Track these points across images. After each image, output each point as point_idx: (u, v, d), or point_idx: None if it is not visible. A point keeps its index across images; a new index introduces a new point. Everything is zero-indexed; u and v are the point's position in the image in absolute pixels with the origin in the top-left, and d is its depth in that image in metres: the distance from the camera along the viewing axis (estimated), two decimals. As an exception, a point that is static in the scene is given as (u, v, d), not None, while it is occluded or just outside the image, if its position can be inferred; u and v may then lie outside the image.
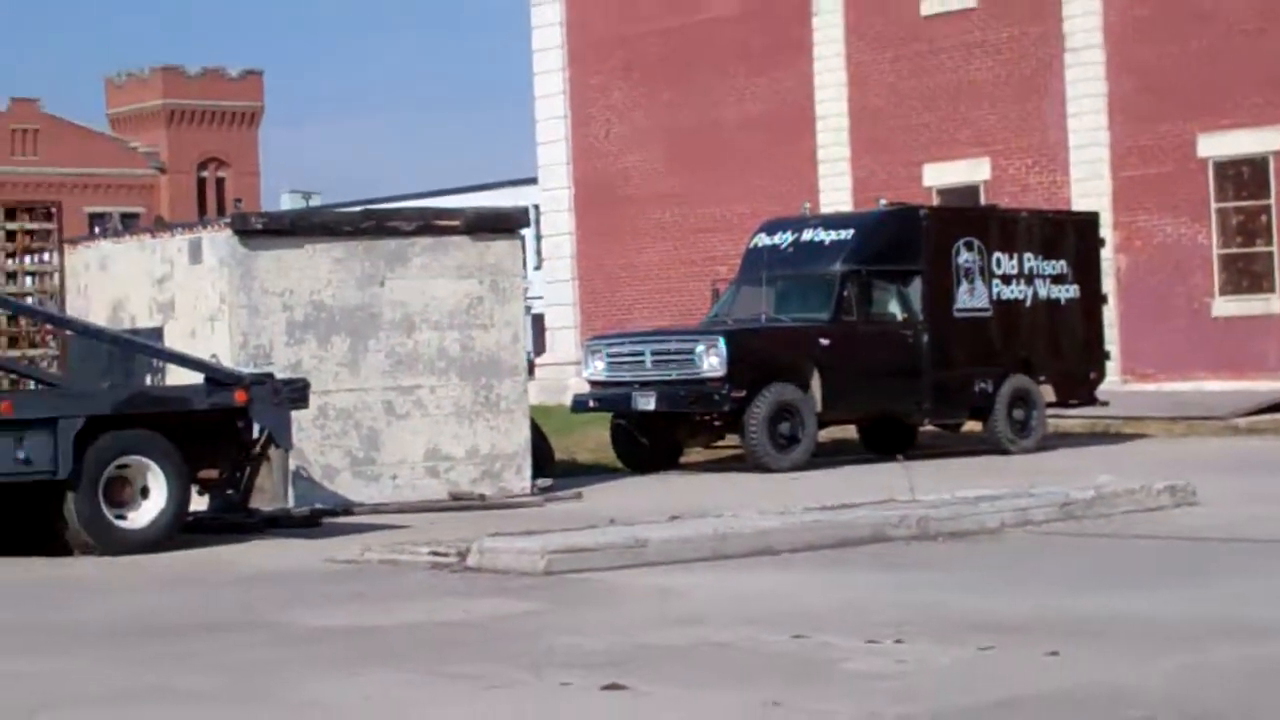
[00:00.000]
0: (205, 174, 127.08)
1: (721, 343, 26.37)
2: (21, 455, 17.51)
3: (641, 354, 27.63)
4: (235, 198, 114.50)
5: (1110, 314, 32.94)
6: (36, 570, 17.06)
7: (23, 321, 21.46)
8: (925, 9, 41.19)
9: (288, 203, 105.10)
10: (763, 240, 29.62)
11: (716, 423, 27.22)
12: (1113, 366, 32.69)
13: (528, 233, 25.22)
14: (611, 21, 45.79)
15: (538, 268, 49.26)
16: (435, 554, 16.03)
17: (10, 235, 22.10)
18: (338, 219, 24.31)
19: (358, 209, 29.39)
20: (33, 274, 22.34)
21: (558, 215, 47.30)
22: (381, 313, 22.30)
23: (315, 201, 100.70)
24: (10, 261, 22.09)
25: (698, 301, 34.39)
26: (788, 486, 22.90)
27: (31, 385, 19.91)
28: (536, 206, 46.35)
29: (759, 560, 15.54)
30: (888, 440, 28.92)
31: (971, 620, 11.65)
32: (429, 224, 23.14)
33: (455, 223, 23.25)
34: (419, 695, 9.62)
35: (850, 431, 29.73)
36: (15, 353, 21.14)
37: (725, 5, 43.80)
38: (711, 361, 26.26)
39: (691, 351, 26.71)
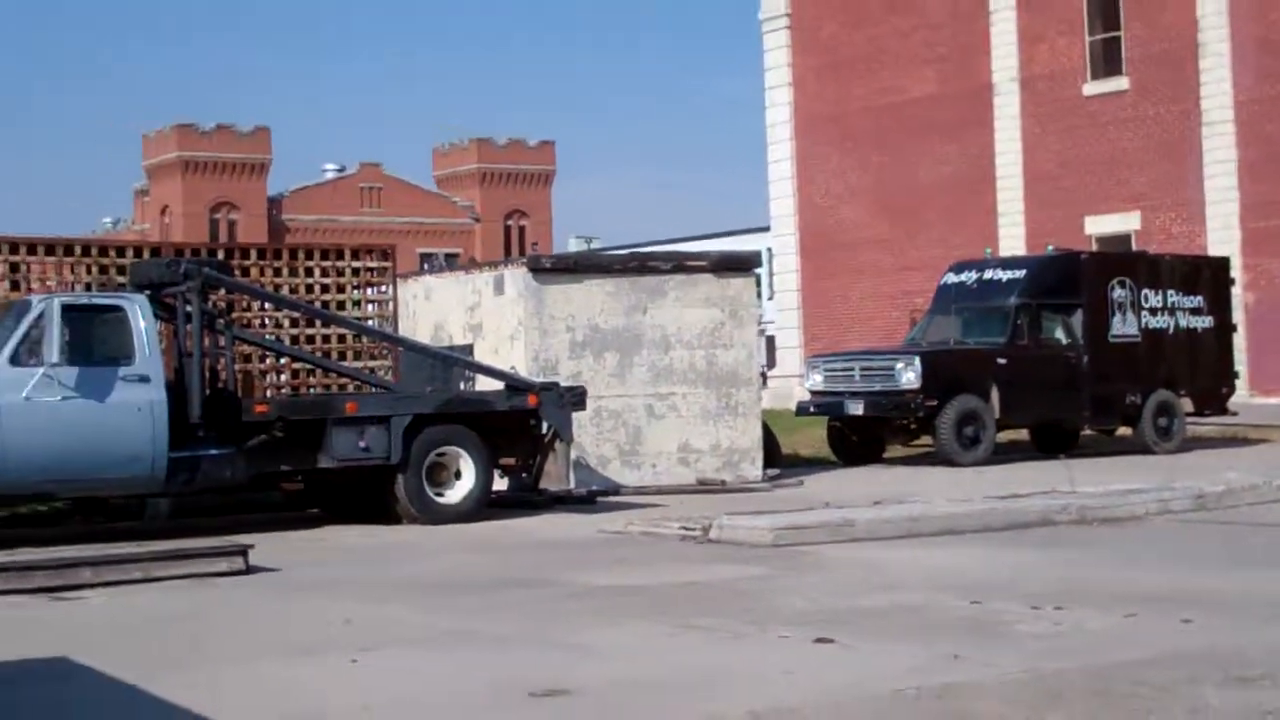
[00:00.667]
0: (510, 223, 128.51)
1: (917, 361, 26.15)
2: (363, 444, 17.80)
3: (852, 369, 27.45)
4: (532, 242, 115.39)
5: (1240, 340, 32.01)
6: (374, 535, 17.31)
7: (365, 339, 21.82)
8: (1087, 90, 40.61)
9: (573, 246, 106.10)
10: (951, 278, 29.34)
11: (912, 426, 26.97)
12: (1242, 383, 31.85)
13: (761, 271, 25.18)
14: (830, 103, 45.68)
15: (770, 298, 49.21)
16: (684, 528, 16.03)
17: (356, 272, 22.50)
18: (610, 260, 24.44)
19: (625, 251, 29.52)
20: (373, 302, 22.71)
21: (786, 257, 47.20)
22: (644, 334, 22.36)
23: (595, 244, 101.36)
24: (356, 292, 22.48)
25: (898, 327, 34.15)
26: (970, 479, 22.61)
27: (371, 390, 20.21)
28: (769, 249, 46.32)
29: (946, 539, 15.36)
30: (1054, 442, 28.50)
31: (1119, 591, 11.41)
32: (681, 264, 23.17)
33: (703, 263, 23.25)
34: (667, 643, 9.65)
35: (1023, 434, 29.26)
36: (359, 364, 21.50)
37: (922, 88, 43.50)
38: (909, 376, 26.04)
39: (893, 368, 26.49)
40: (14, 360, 16.02)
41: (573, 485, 19.84)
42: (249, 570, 13.45)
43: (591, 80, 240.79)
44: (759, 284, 24.10)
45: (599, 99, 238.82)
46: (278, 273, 21.96)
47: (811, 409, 28.03)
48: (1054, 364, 27.47)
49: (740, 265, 23.52)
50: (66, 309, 16.48)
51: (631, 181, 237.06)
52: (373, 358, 21.98)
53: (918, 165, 43.61)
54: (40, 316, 16.28)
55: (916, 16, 43.90)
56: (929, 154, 43.37)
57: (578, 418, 19.67)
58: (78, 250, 21.16)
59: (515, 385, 19.45)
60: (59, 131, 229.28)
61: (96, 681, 8.65)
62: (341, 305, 22.03)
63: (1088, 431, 29.54)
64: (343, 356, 21.63)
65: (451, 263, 71.09)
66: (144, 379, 16.49)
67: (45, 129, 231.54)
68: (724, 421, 22.70)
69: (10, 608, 11.78)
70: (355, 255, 22.89)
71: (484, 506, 18.44)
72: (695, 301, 22.70)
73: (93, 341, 16.51)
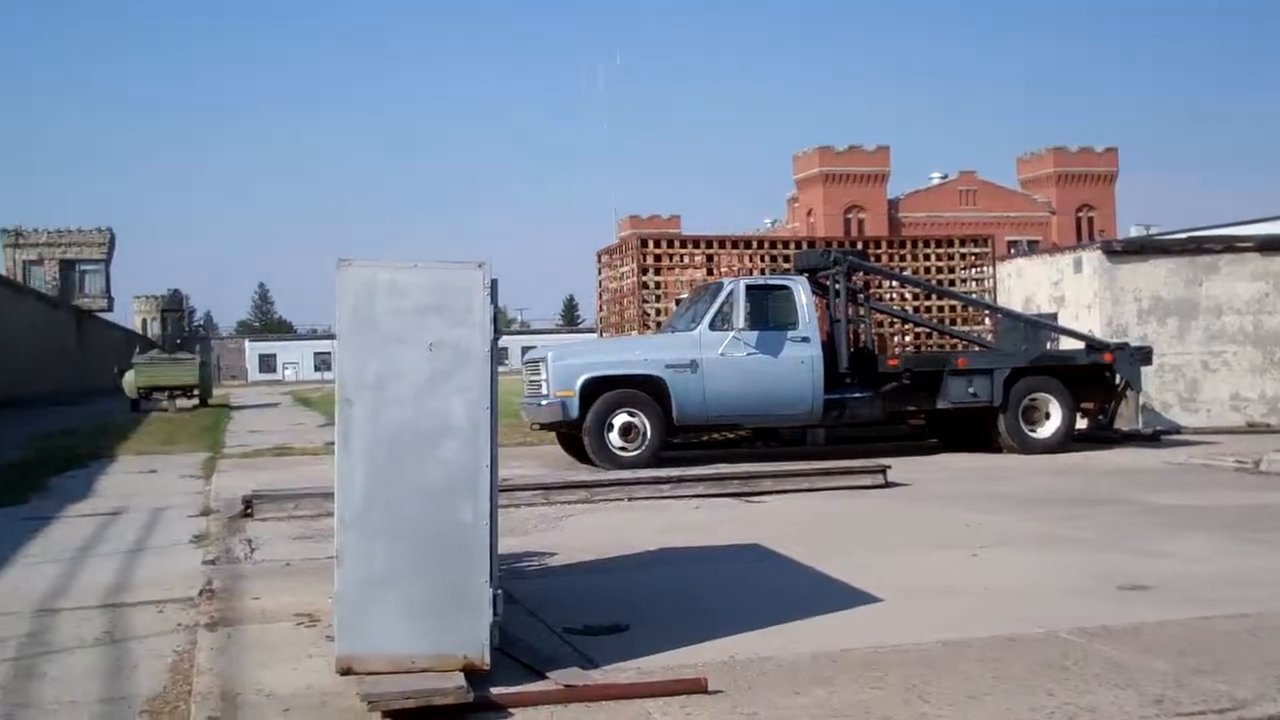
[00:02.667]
0: (1080, 214, 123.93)
1: None
2: (971, 390, 17.80)
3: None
4: (1099, 229, 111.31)
5: None
6: (980, 461, 17.24)
7: (969, 309, 21.73)
8: None
9: (1133, 232, 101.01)
10: None
11: None
12: None
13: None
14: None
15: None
16: (1238, 461, 15.24)
17: (963, 256, 22.41)
18: (1169, 243, 23.35)
19: (1182, 235, 28.09)
20: (975, 280, 22.55)
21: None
22: (1199, 303, 21.35)
23: (1152, 230, 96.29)
24: (961, 273, 22.39)
25: None
26: None
27: (975, 349, 20.10)
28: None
29: None
30: None
31: None
32: (1231, 245, 21.96)
33: (1249, 244, 21.97)
34: (1227, 551, 9.25)
35: None
36: (965, 328, 21.42)
37: None
38: None
39: None
40: (711, 326, 16.88)
41: (1140, 425, 19.18)
42: (887, 484, 13.72)
43: (1149, 97, 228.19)
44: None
45: (1156, 112, 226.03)
46: (901, 258, 22.16)
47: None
48: None
49: (1283, 245, 22.07)
50: (749, 288, 17.20)
51: (1180, 175, 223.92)
52: (976, 324, 21.85)
53: None
54: (730, 294, 17.06)
55: None
56: None
57: (1145, 371, 18.98)
58: (754, 244, 22.01)
59: (1093, 345, 18.95)
60: (736, 156, 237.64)
61: (783, 562, 9.05)
62: (951, 283, 21.99)
63: None
64: (952, 323, 21.60)
65: (1033, 248, 69.32)
66: (805, 340, 17.04)
67: (728, 157, 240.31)
68: (1269, 375, 21.43)
69: (713, 507, 12.45)
70: (962, 243, 22.80)
71: (1068, 441, 18.07)
72: (1243, 276, 21.50)
73: (768, 312, 17.14)
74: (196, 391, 41.02)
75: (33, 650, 6.84)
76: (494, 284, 5.76)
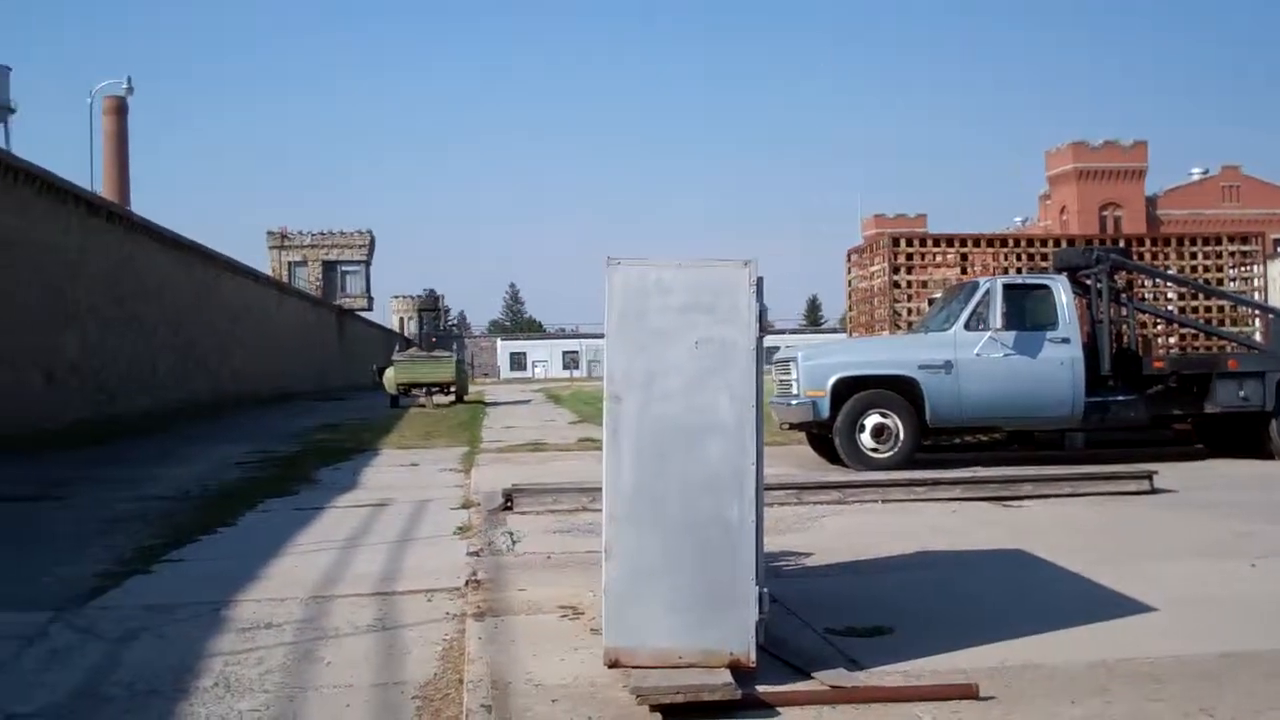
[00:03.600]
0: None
1: None
2: (1242, 394, 17.05)
3: None
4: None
5: None
6: (1252, 468, 16.43)
7: (1237, 310, 20.82)
8: None
9: None
10: None
11: None
12: None
13: None
14: None
15: None
16: None
17: (1233, 254, 21.51)
18: None
19: None
20: (1244, 279, 21.61)
21: None
22: None
23: None
24: (1229, 271, 21.49)
25: None
26: None
27: (1244, 351, 19.20)
28: None
29: None
30: None
31: None
32: None
33: None
34: None
35: None
36: (1234, 329, 20.51)
37: None
38: None
39: None
40: (967, 326, 16.56)
41: None
42: (1153, 491, 13.20)
43: None
44: None
45: None
46: (1165, 256, 21.40)
47: None
48: None
49: None
50: (1007, 287, 16.82)
51: None
52: (1246, 325, 20.92)
53: None
54: (986, 293, 16.71)
55: None
56: None
57: None
58: (1008, 243, 21.53)
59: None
60: (983, 154, 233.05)
61: (1047, 567, 8.78)
62: (1219, 282, 21.11)
63: None
64: (1220, 323, 20.72)
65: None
66: (1065, 340, 16.56)
67: (976, 154, 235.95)
68: None
69: (970, 511, 12.17)
70: (1230, 240, 21.89)
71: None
72: None
73: (1025, 312, 16.72)
74: (453, 388, 42.27)
75: (309, 635, 7.12)
76: (760, 282, 5.75)
